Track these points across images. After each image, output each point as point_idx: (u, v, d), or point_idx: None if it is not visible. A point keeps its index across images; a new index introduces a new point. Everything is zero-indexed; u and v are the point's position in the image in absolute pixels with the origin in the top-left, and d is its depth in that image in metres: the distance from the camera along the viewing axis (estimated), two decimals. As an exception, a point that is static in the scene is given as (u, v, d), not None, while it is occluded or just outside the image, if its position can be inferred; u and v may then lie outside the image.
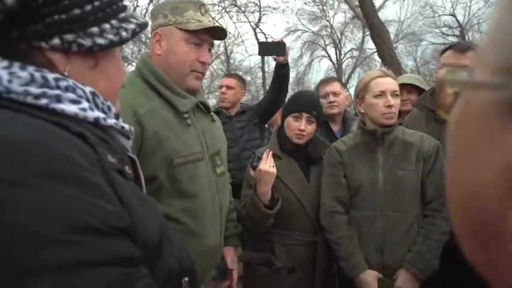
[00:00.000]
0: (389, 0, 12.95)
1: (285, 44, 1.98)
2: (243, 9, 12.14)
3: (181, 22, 1.06)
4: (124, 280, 0.38)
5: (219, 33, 1.13)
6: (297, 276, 1.47)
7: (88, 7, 0.48)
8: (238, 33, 13.22)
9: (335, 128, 2.07)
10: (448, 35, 14.27)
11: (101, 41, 0.49)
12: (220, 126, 1.29)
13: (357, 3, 6.62)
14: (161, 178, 0.99)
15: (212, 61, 14.66)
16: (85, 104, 0.47)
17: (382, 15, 10.72)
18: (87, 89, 0.48)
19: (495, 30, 0.18)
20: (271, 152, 1.40)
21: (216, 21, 11.59)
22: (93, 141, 0.43)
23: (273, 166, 1.36)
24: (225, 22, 12.27)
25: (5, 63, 0.43)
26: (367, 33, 9.29)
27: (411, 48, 15.30)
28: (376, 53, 6.75)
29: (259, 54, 2.07)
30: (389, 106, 1.38)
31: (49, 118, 0.42)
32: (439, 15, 14.48)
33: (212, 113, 1.21)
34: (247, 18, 12.86)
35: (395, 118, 1.41)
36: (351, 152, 1.46)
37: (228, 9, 11.76)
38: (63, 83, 0.45)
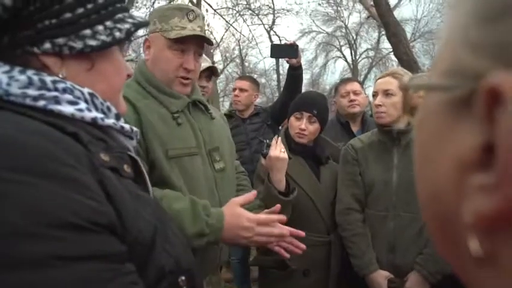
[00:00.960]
0: (405, -1, 12.74)
1: (297, 46, 1.97)
2: (256, 12, 12.17)
3: (166, 30, 1.08)
4: (102, 275, 0.38)
5: (205, 39, 1.13)
6: (312, 278, 1.46)
7: (80, 10, 0.48)
8: (253, 36, 13.28)
9: (354, 128, 2.06)
10: (467, 32, 13.90)
11: (92, 42, 0.49)
12: (222, 124, 1.29)
13: (372, 2, 6.54)
14: (162, 165, 1.01)
15: (227, 64, 14.77)
16: (82, 105, 0.48)
17: (398, 14, 10.58)
18: (85, 90, 0.50)
19: (445, 34, 0.19)
20: (279, 138, 1.38)
21: (231, 24, 11.66)
22: (87, 140, 0.45)
23: (284, 152, 1.34)
24: (239, 25, 12.37)
25: (6, 67, 0.45)
26: (383, 32, 9.17)
27: (428, 47, 14.98)
28: (392, 53, 6.65)
29: (271, 56, 2.08)
30: (376, 106, 1.40)
31: (45, 119, 0.43)
32: (458, 13, 14.14)
33: (211, 111, 1.22)
34: (261, 21, 12.88)
35: (386, 117, 1.39)
36: (367, 150, 1.46)
37: (242, 13, 11.82)
38: (60, 85, 0.47)
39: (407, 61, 4.85)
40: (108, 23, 0.51)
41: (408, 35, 7.65)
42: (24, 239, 0.34)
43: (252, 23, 12.43)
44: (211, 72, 1.97)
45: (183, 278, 0.50)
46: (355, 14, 15.33)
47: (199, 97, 1.19)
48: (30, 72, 0.46)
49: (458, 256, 0.18)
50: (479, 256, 0.16)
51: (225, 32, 11.98)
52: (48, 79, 0.46)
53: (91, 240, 0.38)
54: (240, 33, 12.44)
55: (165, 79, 1.11)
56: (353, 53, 16.67)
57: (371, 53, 16.56)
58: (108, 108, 0.53)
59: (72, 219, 0.37)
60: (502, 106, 0.14)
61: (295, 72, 2.05)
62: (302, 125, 1.47)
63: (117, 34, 0.51)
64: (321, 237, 1.48)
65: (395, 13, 6.27)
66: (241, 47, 14.06)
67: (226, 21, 11.31)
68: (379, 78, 1.47)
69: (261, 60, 15.78)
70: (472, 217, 0.15)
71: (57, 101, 0.46)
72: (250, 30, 12.74)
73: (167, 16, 1.09)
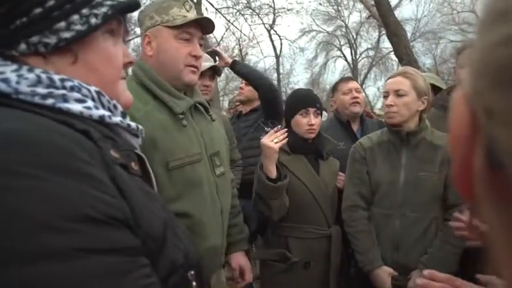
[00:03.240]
0: (405, -1, 12.74)
1: (214, 50, 2.03)
2: (257, 11, 12.17)
3: (168, 20, 1.07)
4: (120, 268, 0.39)
5: (207, 26, 1.12)
6: (313, 271, 1.47)
7: (51, 3, 0.46)
8: (253, 35, 13.26)
9: (354, 127, 2.05)
10: (467, 32, 13.92)
11: (66, 35, 0.47)
12: (220, 127, 1.28)
13: (373, 2, 6.55)
14: (159, 180, 0.97)
15: (227, 63, 14.72)
16: (90, 103, 0.48)
17: (398, 13, 10.58)
18: (92, 89, 0.49)
19: (474, 46, 0.20)
20: (280, 128, 1.41)
21: (231, 23, 11.66)
22: (97, 137, 0.45)
23: (276, 142, 1.36)
24: (240, 25, 12.34)
25: (14, 66, 0.44)
26: (383, 32, 9.17)
27: (429, 46, 15.00)
28: (392, 52, 6.67)
29: None
30: (387, 106, 1.40)
31: (55, 117, 0.43)
32: (458, 12, 14.16)
33: (211, 113, 1.21)
34: (261, 20, 12.89)
35: (397, 117, 1.39)
36: (376, 149, 1.47)
37: (242, 12, 11.82)
38: (68, 83, 0.47)
39: (408, 61, 4.86)
40: (85, 11, 0.48)
41: (408, 35, 7.66)
42: (45, 232, 0.35)
43: (252, 22, 12.43)
44: (214, 72, 1.98)
45: (192, 272, 0.50)
46: (355, 13, 15.35)
47: (200, 99, 1.17)
48: (38, 71, 0.45)
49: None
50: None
51: (226, 31, 11.97)
52: (56, 77, 0.46)
53: (109, 234, 0.39)
54: (241, 31, 12.43)
55: (174, 70, 1.08)
56: (353, 53, 16.67)
57: (371, 53, 16.57)
58: (115, 106, 0.53)
59: (90, 212, 0.37)
60: None
61: (235, 71, 2.04)
62: (311, 121, 1.50)
63: (93, 20, 0.48)
64: (321, 230, 1.50)
65: (396, 13, 6.28)
66: (242, 46, 14.06)
67: (227, 20, 11.31)
68: (389, 78, 1.47)
69: (261, 59, 15.77)
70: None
71: (65, 99, 0.46)
72: (251, 29, 12.71)
73: (165, 8, 1.08)
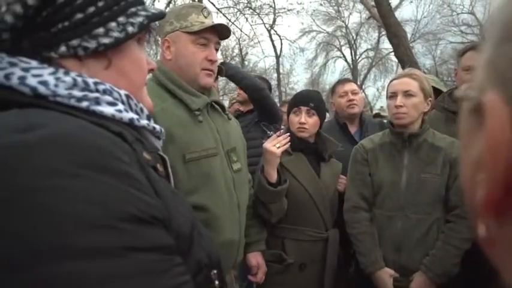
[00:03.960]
0: (405, 0, 12.77)
1: None
2: (257, 11, 12.16)
3: (186, 26, 1.13)
4: (159, 266, 0.40)
5: (223, 31, 1.18)
6: (308, 272, 1.49)
7: (91, 9, 0.48)
8: (254, 33, 13.27)
9: (352, 129, 2.05)
10: (467, 33, 13.96)
11: (105, 40, 0.49)
12: (237, 125, 1.32)
13: (373, 3, 6.56)
14: (177, 174, 1.01)
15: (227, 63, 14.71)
16: (120, 106, 0.50)
17: (399, 14, 10.59)
18: (122, 92, 0.51)
19: (482, 51, 0.22)
20: (282, 132, 1.42)
21: (232, 23, 11.65)
22: (131, 139, 0.46)
23: (279, 147, 1.37)
24: (240, 24, 12.33)
25: (51, 69, 0.46)
26: (383, 33, 9.19)
27: (429, 47, 15.01)
28: (392, 53, 6.69)
29: None
30: (397, 106, 1.40)
31: (90, 119, 0.45)
32: (458, 14, 14.19)
33: (228, 112, 1.26)
34: (262, 20, 12.88)
35: (407, 118, 1.40)
36: (377, 151, 1.48)
37: (243, 12, 11.81)
38: (101, 87, 0.48)
39: (408, 62, 4.87)
40: (121, 19, 0.50)
41: (408, 36, 7.67)
42: (91, 230, 0.36)
43: (253, 22, 12.43)
44: (218, 72, 1.99)
45: (215, 271, 0.51)
46: (355, 14, 15.37)
47: (217, 98, 1.22)
48: (73, 74, 0.47)
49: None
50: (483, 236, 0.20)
51: (226, 30, 11.92)
52: (90, 80, 0.48)
53: (150, 232, 0.40)
54: (241, 30, 12.42)
55: (191, 73, 1.14)
56: (353, 53, 16.67)
57: (371, 53, 16.58)
58: (141, 110, 0.54)
59: (134, 211, 0.39)
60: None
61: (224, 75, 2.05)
62: (302, 119, 1.51)
63: (130, 29, 0.51)
64: (319, 233, 1.51)
65: (396, 14, 6.28)
66: (242, 45, 14.05)
67: (229, 19, 11.29)
68: (394, 79, 1.48)
69: (261, 59, 15.79)
70: (479, 205, 0.19)
71: (98, 102, 0.47)
72: (252, 29, 12.70)
73: (184, 14, 1.14)
